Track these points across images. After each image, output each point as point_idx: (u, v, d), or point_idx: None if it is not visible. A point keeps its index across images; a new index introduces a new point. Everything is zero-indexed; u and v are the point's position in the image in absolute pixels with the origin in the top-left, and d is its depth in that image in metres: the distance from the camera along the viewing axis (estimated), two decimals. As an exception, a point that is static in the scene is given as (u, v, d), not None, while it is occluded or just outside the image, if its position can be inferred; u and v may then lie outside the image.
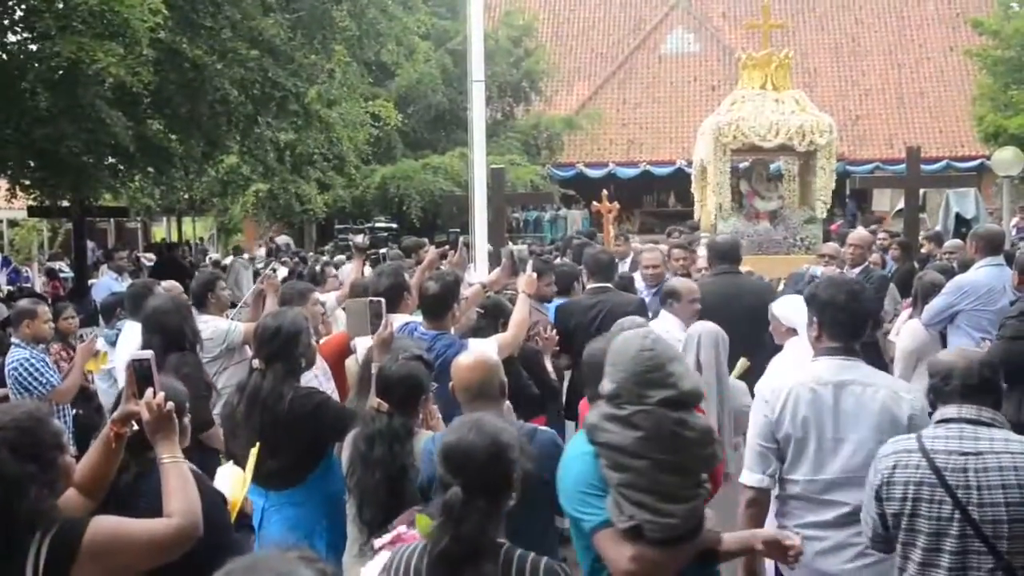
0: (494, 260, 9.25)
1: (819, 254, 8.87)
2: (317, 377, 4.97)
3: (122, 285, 11.50)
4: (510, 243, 6.44)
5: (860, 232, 9.52)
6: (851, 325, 3.68)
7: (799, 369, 3.84)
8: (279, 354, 4.19)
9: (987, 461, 3.04)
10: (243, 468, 3.77)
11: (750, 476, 3.69)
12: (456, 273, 5.57)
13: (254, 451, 3.75)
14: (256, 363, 4.23)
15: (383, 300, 4.67)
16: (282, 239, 24.54)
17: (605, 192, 16.96)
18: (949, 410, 3.17)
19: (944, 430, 3.14)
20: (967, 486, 3.03)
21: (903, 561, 3.18)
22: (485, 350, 4.09)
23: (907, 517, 3.12)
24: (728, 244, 6.92)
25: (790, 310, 5.05)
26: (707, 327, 5.05)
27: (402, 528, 3.19)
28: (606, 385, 2.98)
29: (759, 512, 3.68)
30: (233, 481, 3.58)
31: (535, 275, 5.76)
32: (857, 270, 8.16)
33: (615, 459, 2.88)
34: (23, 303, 6.87)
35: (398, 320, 5.12)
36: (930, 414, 3.35)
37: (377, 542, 3.17)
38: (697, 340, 4.97)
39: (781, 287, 8.54)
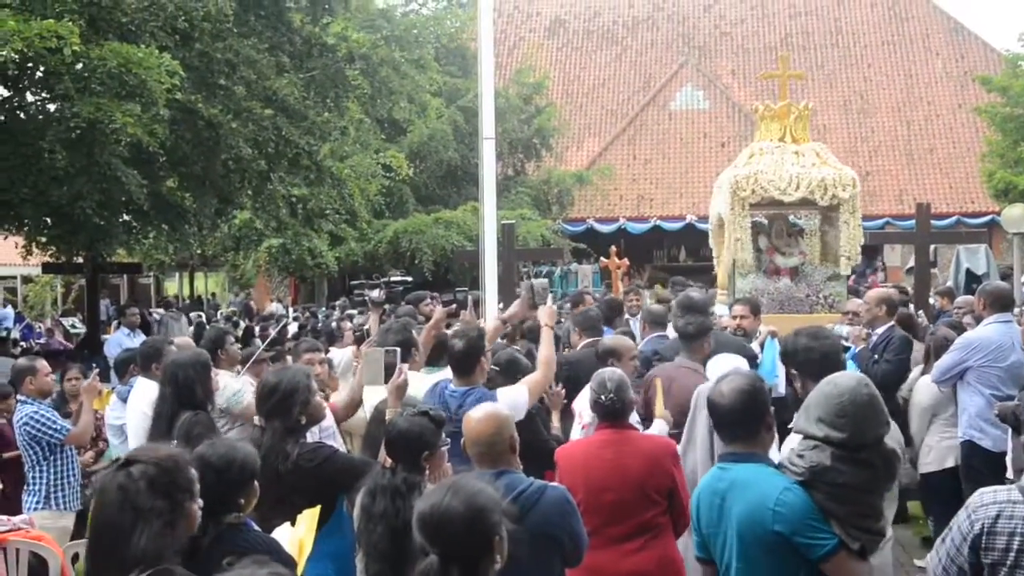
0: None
1: (843, 312, 8.48)
2: (315, 434, 4.98)
3: (134, 341, 11.55)
4: (540, 280, 6.35)
5: (878, 291, 9.07)
6: (822, 366, 4.00)
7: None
8: (277, 411, 4.21)
9: None
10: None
11: None
12: (480, 328, 5.56)
13: (313, 512, 3.72)
14: (257, 420, 4.26)
15: (398, 350, 4.71)
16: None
17: (614, 248, 16.96)
18: None
19: None
20: None
21: None
22: (496, 405, 4.09)
23: (1007, 568, 3.12)
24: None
25: (721, 368, 5.23)
26: (710, 388, 5.03)
27: None
28: (831, 433, 3.22)
29: None
30: (291, 544, 3.57)
31: (555, 307, 5.76)
32: (880, 330, 7.59)
33: (845, 495, 3.21)
34: (20, 362, 6.95)
35: (422, 379, 5.18)
36: None
37: None
38: (699, 399, 4.94)
39: None
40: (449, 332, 5.56)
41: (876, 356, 7.29)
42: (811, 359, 4.15)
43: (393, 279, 22.68)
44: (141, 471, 2.75)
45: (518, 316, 6.29)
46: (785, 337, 4.36)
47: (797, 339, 4.20)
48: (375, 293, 7.38)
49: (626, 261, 15.00)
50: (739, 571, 3.35)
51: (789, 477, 3.29)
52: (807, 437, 3.28)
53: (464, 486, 2.67)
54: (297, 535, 3.54)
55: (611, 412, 4.56)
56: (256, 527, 3.48)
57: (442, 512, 2.58)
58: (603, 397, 4.54)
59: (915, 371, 7.41)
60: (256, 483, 3.43)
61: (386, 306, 9.84)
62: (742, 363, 5.77)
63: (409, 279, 22.80)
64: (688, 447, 4.82)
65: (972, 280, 15.22)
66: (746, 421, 3.44)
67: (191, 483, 2.86)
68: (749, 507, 3.30)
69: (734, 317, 7.35)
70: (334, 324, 12.24)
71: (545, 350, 5.33)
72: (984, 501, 3.20)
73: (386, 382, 4.64)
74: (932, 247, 13.61)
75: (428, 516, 2.60)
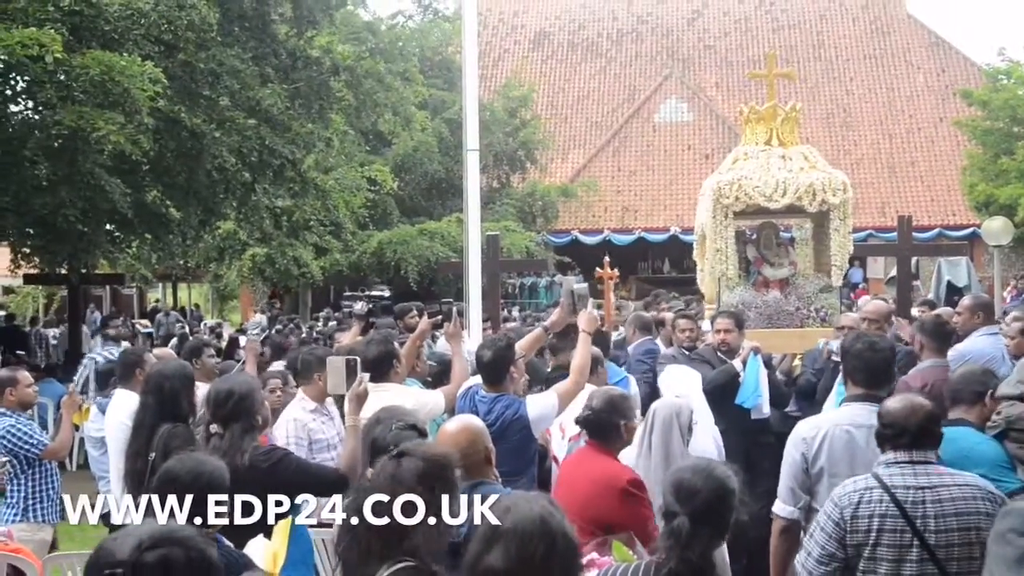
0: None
1: (837, 327, 7.82)
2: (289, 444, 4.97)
3: (117, 353, 11.47)
4: (570, 278, 6.24)
5: (876, 303, 8.44)
6: (868, 371, 4.33)
7: (835, 412, 4.50)
8: (236, 415, 4.22)
9: (940, 494, 3.50)
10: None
11: (783, 508, 4.25)
12: (509, 338, 5.52)
13: (286, 524, 3.69)
14: (214, 428, 4.25)
15: (358, 358, 4.70)
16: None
17: (607, 259, 16.86)
18: (901, 454, 3.62)
19: (898, 468, 3.58)
20: (924, 516, 3.46)
21: None
22: (471, 417, 4.08)
23: (869, 547, 3.49)
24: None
25: (671, 380, 5.24)
26: (664, 403, 4.96)
27: (594, 554, 3.50)
28: None
29: (791, 539, 4.17)
30: (266, 557, 3.53)
31: (595, 312, 5.71)
32: None
33: None
34: (1, 372, 6.85)
35: (402, 391, 5.17)
36: None
37: None
38: (651, 418, 4.89)
39: (796, 363, 7.73)
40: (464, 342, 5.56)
41: None
42: (857, 367, 4.39)
43: (372, 293, 22.66)
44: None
45: (560, 323, 6.20)
46: (847, 336, 4.80)
47: (855, 343, 4.46)
48: (358, 306, 7.36)
49: (616, 272, 14.72)
50: None
51: (987, 435, 4.12)
52: (1007, 398, 4.15)
53: (718, 470, 3.06)
54: (271, 548, 3.51)
55: (588, 428, 4.48)
56: (227, 542, 3.45)
57: (695, 482, 2.97)
58: (583, 411, 4.49)
59: None
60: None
61: (371, 319, 9.85)
62: (695, 377, 5.73)
63: (386, 293, 22.74)
64: (665, 464, 4.73)
65: (953, 292, 15.33)
66: (964, 392, 4.33)
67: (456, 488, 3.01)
68: (951, 456, 3.87)
69: (717, 331, 6.98)
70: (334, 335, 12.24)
71: (579, 357, 5.26)
72: (846, 491, 3.59)
73: (348, 389, 4.64)
74: (914, 259, 13.68)
75: (682, 484, 2.99)
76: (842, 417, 4.27)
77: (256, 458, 4.16)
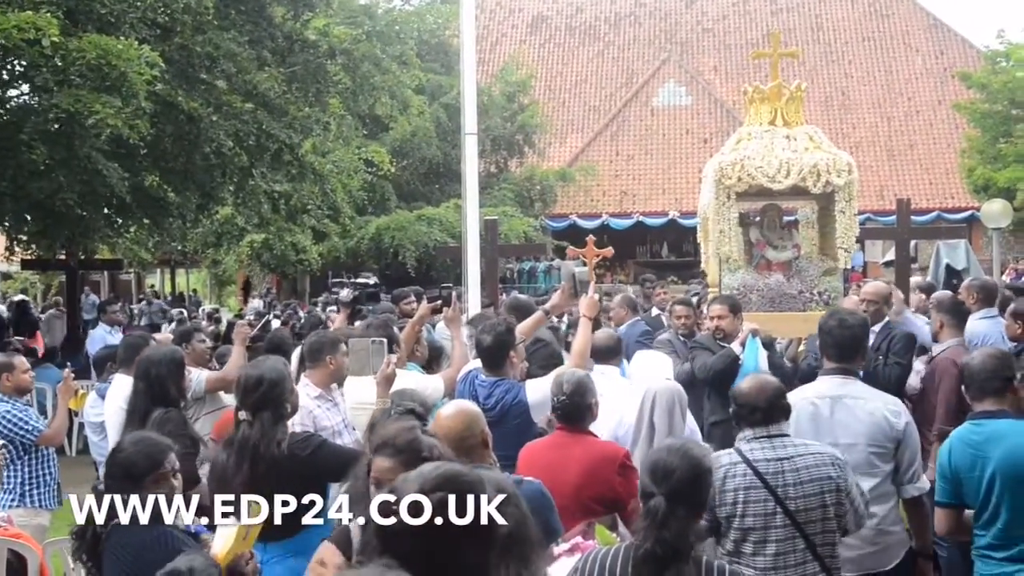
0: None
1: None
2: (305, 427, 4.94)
3: (116, 338, 11.47)
4: (571, 263, 6.22)
5: (875, 285, 8.28)
6: (838, 347, 4.56)
7: (807, 386, 4.67)
8: (265, 402, 4.19)
9: (796, 463, 3.79)
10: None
11: None
12: (509, 322, 5.50)
13: (257, 527, 3.68)
14: (242, 415, 4.22)
15: (385, 340, 4.70)
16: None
17: (591, 237, 16.65)
18: (759, 430, 3.88)
19: (758, 443, 3.85)
20: (784, 484, 3.74)
21: (737, 555, 3.76)
22: (467, 402, 4.07)
23: (739, 517, 3.74)
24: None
25: (642, 364, 5.47)
26: (663, 386, 4.95)
27: (578, 539, 3.57)
28: None
29: None
30: (227, 536, 3.51)
31: (597, 297, 5.71)
32: (876, 328, 6.78)
33: None
34: None
35: (402, 375, 5.14)
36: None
37: (556, 550, 3.44)
38: (652, 399, 4.88)
39: (802, 348, 7.62)
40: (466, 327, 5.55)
41: (881, 358, 6.65)
42: (828, 343, 4.59)
43: (358, 280, 22.54)
44: None
45: (561, 307, 6.18)
46: (823, 315, 4.85)
47: (827, 321, 4.67)
48: (343, 292, 7.35)
49: (610, 250, 14.27)
50: (1006, 506, 3.99)
51: None
52: None
53: (693, 448, 3.11)
54: (231, 534, 3.48)
55: (563, 414, 4.45)
56: (185, 527, 3.49)
57: (670, 463, 2.99)
58: (556, 399, 4.45)
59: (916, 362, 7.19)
60: (177, 479, 3.46)
61: (363, 306, 9.82)
62: (666, 361, 5.72)
63: (371, 281, 22.63)
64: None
65: (951, 275, 15.32)
66: (992, 383, 4.18)
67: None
68: (1008, 452, 3.98)
69: (711, 318, 6.90)
70: (324, 316, 12.21)
71: (580, 341, 5.29)
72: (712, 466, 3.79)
73: (374, 371, 4.63)
74: (912, 243, 13.64)
75: (658, 465, 3.02)
76: (810, 391, 4.50)
77: (295, 446, 4.14)
